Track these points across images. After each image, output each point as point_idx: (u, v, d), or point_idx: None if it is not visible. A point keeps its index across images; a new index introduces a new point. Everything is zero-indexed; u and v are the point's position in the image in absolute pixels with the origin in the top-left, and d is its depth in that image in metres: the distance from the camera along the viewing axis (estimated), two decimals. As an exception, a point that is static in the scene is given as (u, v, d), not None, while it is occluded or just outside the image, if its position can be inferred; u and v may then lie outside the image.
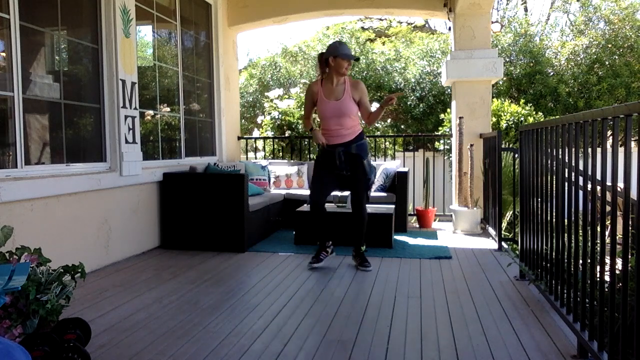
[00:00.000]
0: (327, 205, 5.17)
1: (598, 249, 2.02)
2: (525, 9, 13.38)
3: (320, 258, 4.06)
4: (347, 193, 5.09)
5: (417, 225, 6.04)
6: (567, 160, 2.45)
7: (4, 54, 3.31)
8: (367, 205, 4.48)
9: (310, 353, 2.34)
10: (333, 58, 3.86)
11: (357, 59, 4.07)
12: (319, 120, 4.13)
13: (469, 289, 3.38)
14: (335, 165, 3.93)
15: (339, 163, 3.91)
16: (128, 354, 2.34)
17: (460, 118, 5.68)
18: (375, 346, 2.42)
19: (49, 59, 3.92)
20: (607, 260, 1.96)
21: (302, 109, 7.69)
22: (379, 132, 7.86)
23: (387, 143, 8.30)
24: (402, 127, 10.38)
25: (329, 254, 4.14)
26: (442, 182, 7.12)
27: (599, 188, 2.03)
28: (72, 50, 4.13)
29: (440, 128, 8.11)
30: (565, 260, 2.47)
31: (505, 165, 5.45)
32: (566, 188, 2.50)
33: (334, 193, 4.93)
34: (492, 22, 6.70)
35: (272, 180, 6.14)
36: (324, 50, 3.99)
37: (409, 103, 10.06)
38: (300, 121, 7.49)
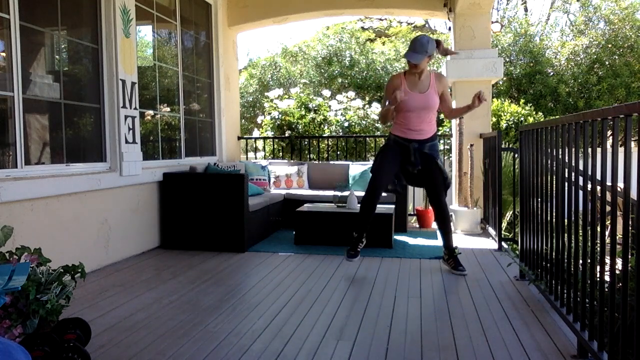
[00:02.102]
0: (325, 205, 5.19)
1: (598, 249, 2.02)
2: (525, 9, 13.38)
3: (358, 250, 3.96)
4: (346, 193, 5.09)
5: (417, 225, 6.04)
6: (567, 160, 2.45)
7: (4, 54, 3.31)
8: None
9: (310, 353, 2.34)
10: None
11: (413, 63, 3.70)
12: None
13: (469, 289, 3.37)
14: (409, 159, 3.83)
15: (414, 159, 3.81)
16: (128, 354, 2.34)
17: (460, 118, 5.68)
18: (375, 346, 2.42)
19: (49, 59, 3.92)
20: (607, 260, 1.96)
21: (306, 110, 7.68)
22: (379, 132, 7.85)
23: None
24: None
25: (363, 244, 4.05)
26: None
27: (599, 188, 2.03)
28: (72, 50, 4.13)
29: (440, 128, 8.11)
30: (565, 260, 2.47)
31: (505, 165, 5.45)
32: (566, 188, 2.50)
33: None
34: (492, 22, 6.70)
35: (272, 180, 6.14)
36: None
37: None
38: (300, 121, 7.49)
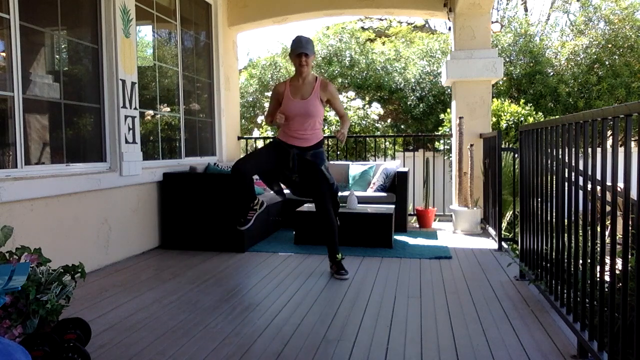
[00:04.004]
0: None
1: (598, 249, 2.02)
2: (525, 9, 13.38)
3: (248, 218, 3.76)
4: (346, 193, 5.08)
5: (417, 225, 6.04)
6: (567, 160, 2.45)
7: (4, 54, 3.31)
8: (367, 206, 4.46)
9: (310, 353, 2.34)
10: (291, 57, 3.70)
11: (306, 54, 3.59)
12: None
13: (469, 289, 3.37)
14: (287, 165, 3.73)
15: (292, 164, 3.71)
16: (128, 354, 2.34)
17: (460, 118, 5.68)
18: (375, 346, 2.42)
19: (49, 59, 3.92)
20: (607, 260, 1.96)
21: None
22: (379, 132, 7.86)
23: (387, 143, 8.30)
24: (402, 127, 10.38)
25: (259, 209, 3.81)
26: (442, 182, 7.12)
27: (599, 188, 2.03)
28: (72, 50, 4.13)
29: (440, 128, 8.11)
30: (565, 260, 2.47)
31: (505, 165, 5.45)
32: (566, 188, 2.50)
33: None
34: (492, 22, 6.70)
35: (272, 180, 6.13)
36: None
37: (409, 103, 10.06)
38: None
